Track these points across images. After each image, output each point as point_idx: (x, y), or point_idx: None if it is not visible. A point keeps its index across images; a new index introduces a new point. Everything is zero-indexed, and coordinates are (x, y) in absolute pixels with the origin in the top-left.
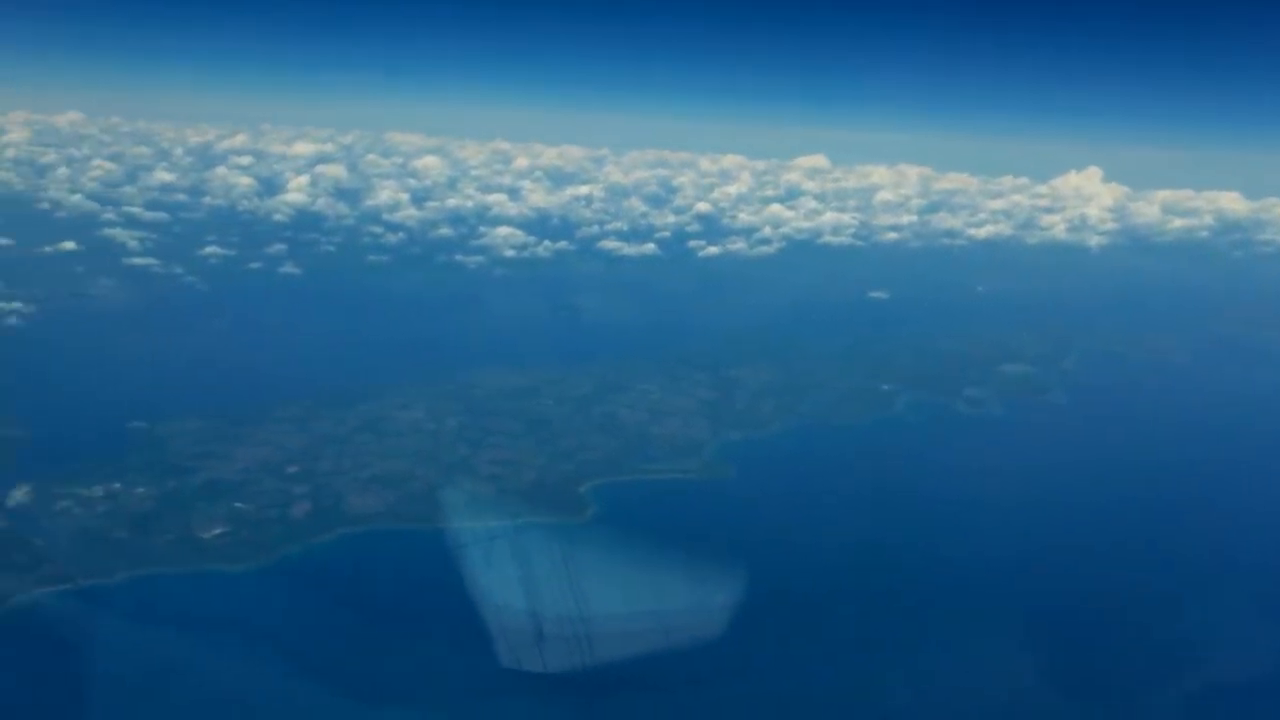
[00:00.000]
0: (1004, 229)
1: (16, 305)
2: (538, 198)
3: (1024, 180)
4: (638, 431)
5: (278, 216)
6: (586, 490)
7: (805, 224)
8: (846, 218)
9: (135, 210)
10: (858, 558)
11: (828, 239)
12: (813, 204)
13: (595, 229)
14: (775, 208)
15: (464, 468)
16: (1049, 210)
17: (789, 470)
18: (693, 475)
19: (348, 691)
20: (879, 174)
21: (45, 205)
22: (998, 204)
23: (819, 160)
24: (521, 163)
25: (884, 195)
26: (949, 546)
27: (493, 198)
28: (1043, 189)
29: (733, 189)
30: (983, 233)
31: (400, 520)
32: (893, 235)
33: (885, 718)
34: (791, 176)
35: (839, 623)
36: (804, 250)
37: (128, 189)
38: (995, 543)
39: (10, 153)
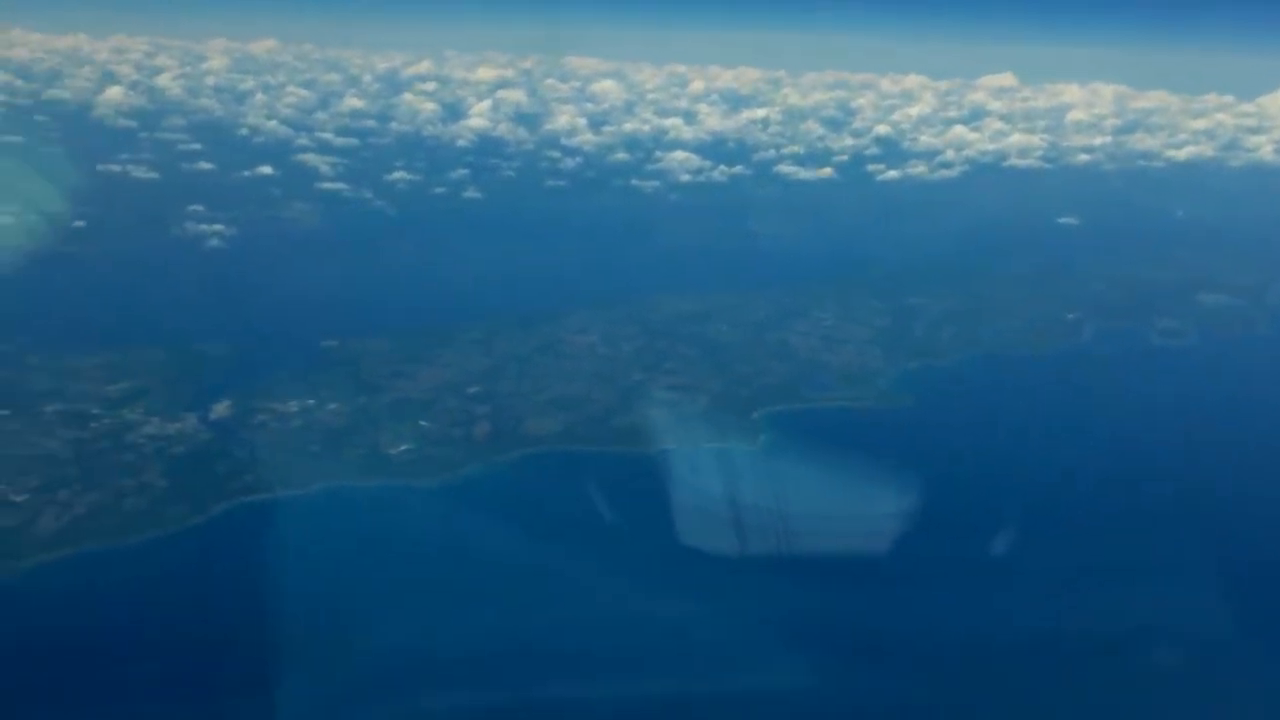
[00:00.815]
0: (1206, 150)
1: (218, 227)
2: (713, 121)
3: (1229, 98)
4: (811, 359)
5: (460, 142)
6: (760, 416)
7: (990, 146)
8: (1035, 139)
9: (327, 136)
10: (1038, 490)
11: (1014, 162)
12: (999, 125)
13: (771, 153)
14: (959, 129)
15: (639, 392)
16: (1255, 130)
17: (968, 400)
18: (867, 404)
19: (530, 600)
20: (1070, 92)
21: (244, 131)
22: (1199, 124)
23: (1006, 79)
24: (697, 86)
25: (1076, 115)
26: (1134, 484)
27: (668, 122)
28: (1249, 107)
29: (914, 110)
30: (1182, 154)
31: (577, 442)
32: (1084, 158)
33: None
34: (976, 96)
35: (1018, 553)
36: (989, 174)
37: (320, 115)
38: (1189, 482)
39: (210, 80)
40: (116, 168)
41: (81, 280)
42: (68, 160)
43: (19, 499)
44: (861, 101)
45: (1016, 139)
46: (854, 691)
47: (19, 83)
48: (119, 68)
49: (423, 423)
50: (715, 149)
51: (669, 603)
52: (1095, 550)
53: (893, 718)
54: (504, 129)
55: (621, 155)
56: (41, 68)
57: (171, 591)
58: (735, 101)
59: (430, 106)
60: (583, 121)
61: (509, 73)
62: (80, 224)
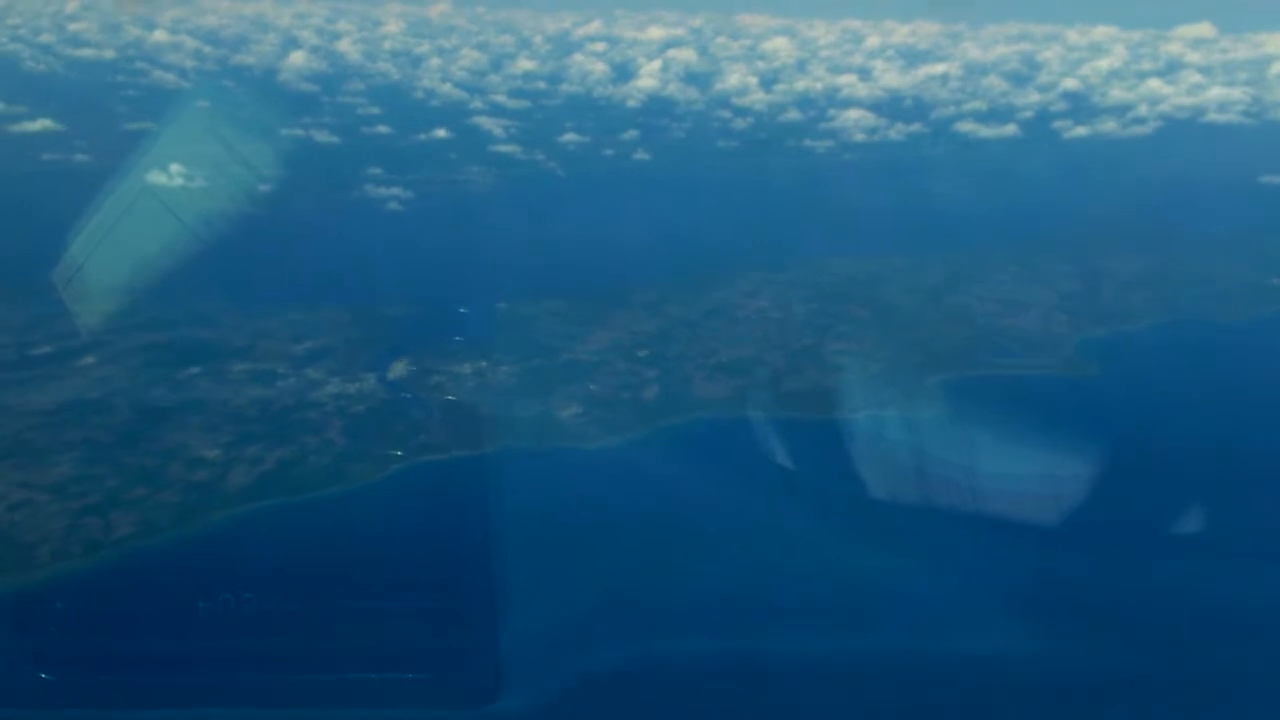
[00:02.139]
0: None
1: (396, 190)
2: (890, 78)
3: None
4: (991, 324)
5: (630, 102)
6: (937, 383)
7: (1186, 100)
8: (1236, 93)
9: (500, 98)
10: (1232, 464)
11: (1213, 117)
12: (1196, 78)
13: (951, 110)
14: (1152, 83)
15: (810, 356)
16: None
17: (1160, 369)
18: (1051, 371)
19: (716, 556)
20: (1274, 43)
21: (420, 94)
22: None
23: (1203, 29)
24: (873, 41)
25: None
26: None
27: (842, 79)
28: None
29: (1104, 63)
30: None
31: (747, 407)
32: None
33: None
34: (1171, 48)
35: (1208, 526)
36: (1185, 130)
37: (493, 77)
38: None
39: (387, 45)
40: (300, 131)
41: (269, 243)
42: (254, 125)
43: (211, 454)
44: (1047, 55)
45: (1215, 93)
46: (1046, 652)
47: (208, 49)
48: (301, 33)
49: (592, 386)
50: (891, 106)
51: (853, 559)
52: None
53: (1084, 681)
54: (674, 89)
55: (794, 114)
56: (228, 34)
57: (358, 544)
58: (912, 57)
59: (600, 67)
60: (754, 80)
61: (679, 31)
62: (267, 188)
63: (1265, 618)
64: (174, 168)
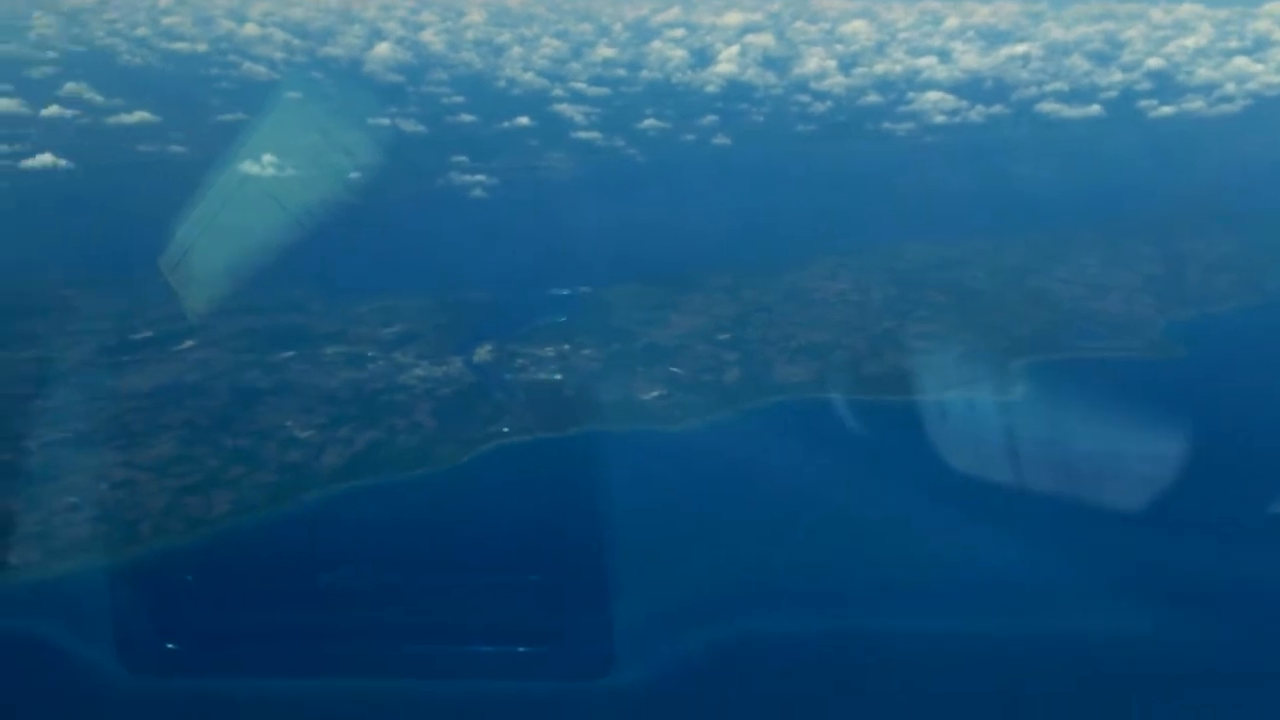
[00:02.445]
0: None
1: (480, 177)
2: (970, 59)
3: None
4: (1075, 307)
5: (709, 88)
6: (1020, 366)
7: (1276, 79)
8: None
9: (580, 85)
10: None
11: None
12: None
13: (1033, 90)
14: (1240, 61)
15: (890, 340)
16: None
17: (1247, 353)
18: (1136, 354)
19: (806, 534)
20: None
21: (502, 83)
22: None
23: None
24: (952, 22)
25: None
26: None
27: (922, 61)
28: None
29: (1190, 41)
30: None
31: (828, 389)
32: None
33: None
34: (1260, 25)
35: None
36: (1275, 108)
37: (573, 65)
38: None
39: (470, 34)
40: (386, 121)
41: (358, 230)
42: (343, 115)
43: (304, 435)
44: (1131, 33)
45: None
46: (1135, 635)
47: (296, 41)
48: (386, 24)
49: (674, 369)
50: (972, 88)
51: (940, 539)
52: None
53: (1177, 667)
54: (752, 74)
55: (873, 97)
56: (316, 26)
57: (456, 523)
58: (993, 38)
59: (679, 53)
60: (832, 64)
61: (757, 16)
62: (357, 176)
63: None
64: (267, 158)
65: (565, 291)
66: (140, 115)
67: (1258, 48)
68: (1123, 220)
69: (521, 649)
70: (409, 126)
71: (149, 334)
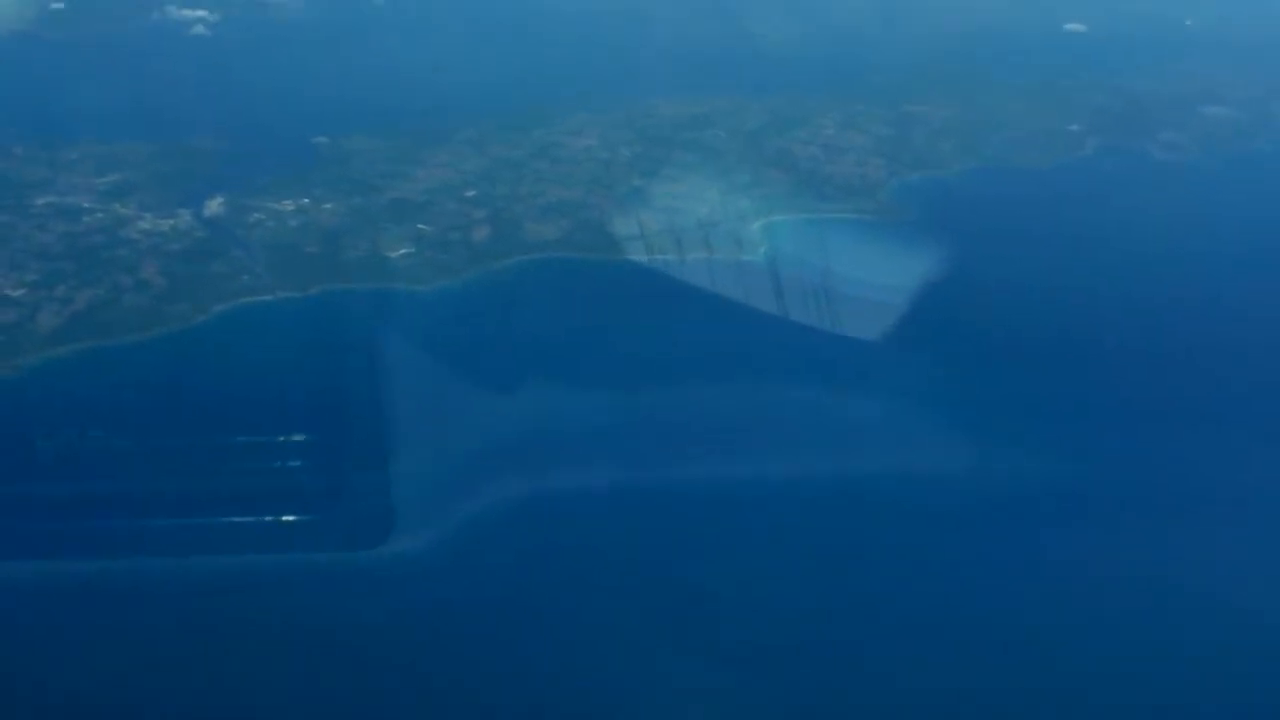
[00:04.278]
0: None
1: (201, 13)
2: None
3: None
4: (813, 169)
5: None
6: (761, 226)
7: None
8: None
9: None
10: (1040, 297)
11: None
12: None
13: None
14: None
15: (638, 198)
16: None
17: (969, 212)
18: (869, 216)
19: (557, 392)
20: None
21: None
22: None
23: None
24: None
25: None
26: (1123, 296)
27: None
28: None
29: None
30: None
31: (578, 249)
32: None
33: None
34: None
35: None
36: None
37: None
38: (1182, 297)
39: None
40: None
41: (63, 68)
42: None
43: (16, 294)
44: None
45: None
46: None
47: None
48: None
49: (421, 225)
50: None
51: (699, 386)
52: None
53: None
54: None
55: None
56: None
57: (197, 384)
58: None
59: None
60: None
61: None
62: (59, 6)
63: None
64: None
65: (302, 141)
66: None
67: None
68: (857, 82)
69: (286, 518)
70: None
71: None
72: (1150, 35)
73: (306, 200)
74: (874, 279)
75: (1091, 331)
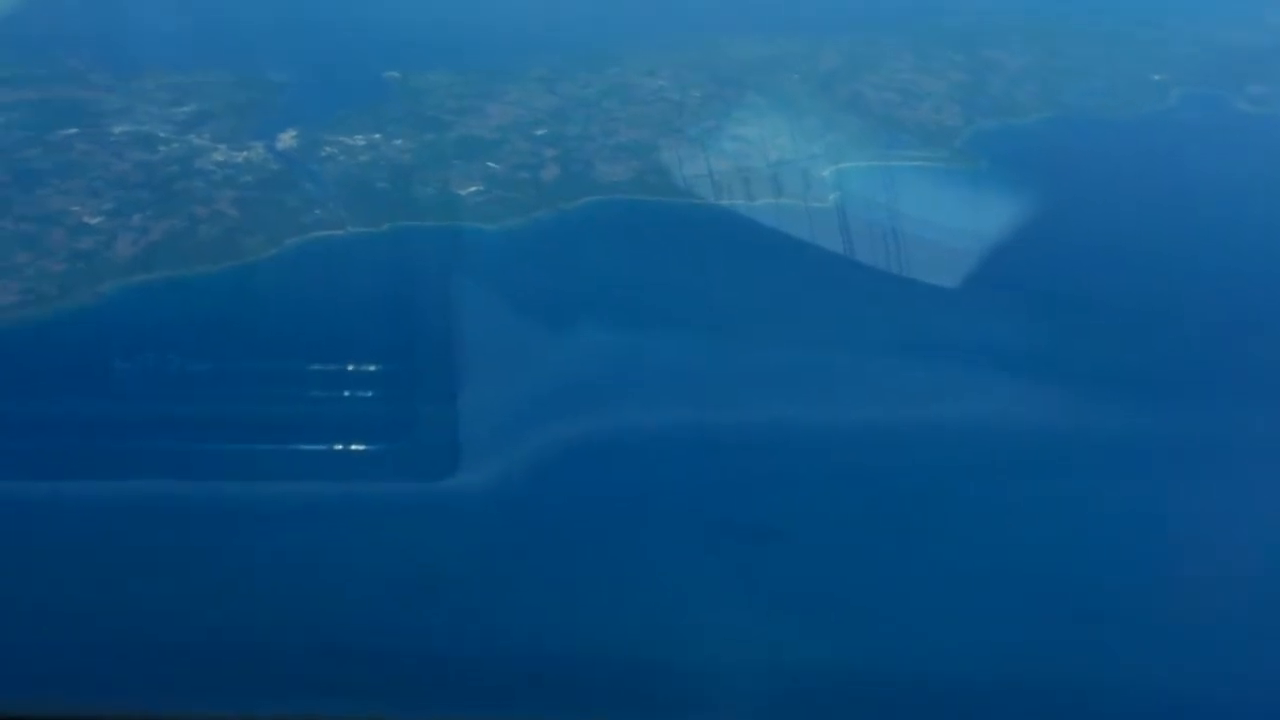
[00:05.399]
0: None
1: None
2: None
3: None
4: (886, 113)
5: None
6: (832, 173)
7: None
8: None
9: None
10: (1116, 253)
11: None
12: None
13: None
14: None
15: (709, 141)
16: None
17: (1046, 161)
18: (943, 163)
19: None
20: None
21: None
22: None
23: None
24: None
25: None
26: (1200, 256)
27: None
28: None
29: None
30: None
31: (648, 191)
32: None
33: None
34: None
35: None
36: None
37: None
38: (1256, 257)
39: None
40: None
41: None
42: None
43: (94, 221)
44: None
45: None
46: None
47: None
48: None
49: (490, 163)
50: None
51: (753, 335)
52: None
53: None
54: None
55: None
56: None
57: (272, 316)
58: None
59: None
60: None
61: None
62: None
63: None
64: None
65: (373, 77)
66: None
67: None
68: (933, 25)
69: (356, 446)
70: None
71: None
72: None
73: (377, 135)
74: (948, 225)
75: (1166, 287)
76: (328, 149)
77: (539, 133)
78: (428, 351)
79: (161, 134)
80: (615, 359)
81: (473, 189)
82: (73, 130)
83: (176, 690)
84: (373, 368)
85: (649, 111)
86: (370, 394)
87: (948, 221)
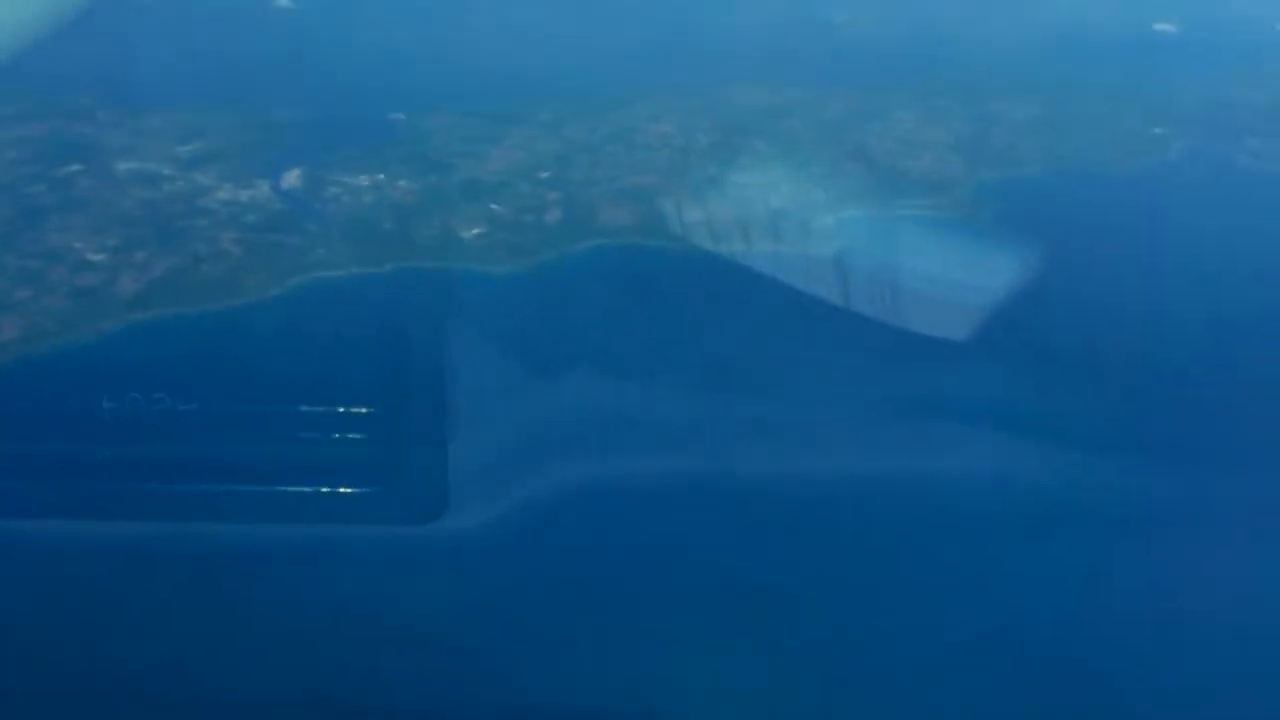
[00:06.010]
0: None
1: None
2: None
3: None
4: (889, 164)
5: None
6: (836, 221)
7: None
8: None
9: None
10: (1116, 306)
11: None
12: None
13: None
14: None
15: (713, 187)
16: None
17: (1047, 214)
18: (944, 214)
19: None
20: None
21: None
22: None
23: None
24: None
25: None
26: (1202, 308)
27: None
28: None
29: None
30: None
31: (651, 235)
32: None
33: None
34: None
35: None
36: None
37: None
38: (1257, 309)
39: None
40: None
41: (148, 35)
42: None
43: (97, 258)
44: None
45: None
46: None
47: None
48: None
49: (494, 206)
50: None
51: (750, 385)
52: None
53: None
54: None
55: None
56: None
57: (268, 356)
58: None
59: None
60: None
61: None
62: None
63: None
64: None
65: (378, 117)
66: None
67: None
68: (937, 76)
69: (344, 489)
70: None
71: None
72: (1243, 40)
73: (381, 176)
74: (948, 278)
75: (1166, 341)
76: (332, 189)
77: (543, 176)
78: (430, 392)
79: (166, 171)
80: (615, 405)
81: (476, 231)
82: (76, 167)
83: None
84: (374, 409)
85: (653, 157)
86: (372, 436)
87: (948, 272)
